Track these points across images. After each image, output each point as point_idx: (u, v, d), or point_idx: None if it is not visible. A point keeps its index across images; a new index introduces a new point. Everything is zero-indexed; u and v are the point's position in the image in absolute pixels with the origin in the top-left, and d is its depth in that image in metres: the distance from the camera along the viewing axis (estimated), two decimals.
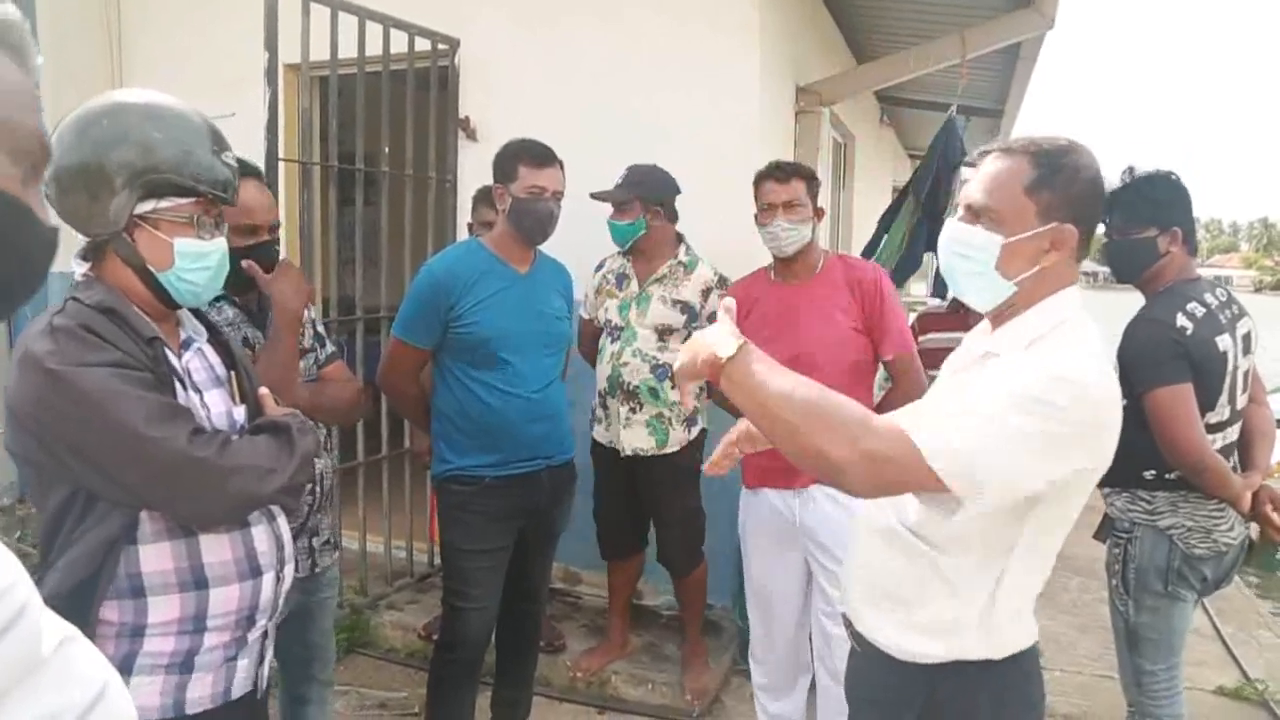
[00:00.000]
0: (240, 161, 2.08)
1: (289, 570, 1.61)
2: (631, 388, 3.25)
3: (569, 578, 4.26)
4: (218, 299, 2.12)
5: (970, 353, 1.59)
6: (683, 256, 3.32)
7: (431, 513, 4.01)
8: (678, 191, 3.34)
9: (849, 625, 1.66)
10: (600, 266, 3.47)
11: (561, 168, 2.72)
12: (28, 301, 0.77)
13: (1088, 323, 1.47)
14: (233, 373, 1.64)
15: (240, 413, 1.59)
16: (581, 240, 3.18)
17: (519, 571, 2.81)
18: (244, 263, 2.04)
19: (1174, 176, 2.57)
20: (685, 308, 3.26)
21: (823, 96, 4.41)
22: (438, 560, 4.16)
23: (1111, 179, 2.59)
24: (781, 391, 1.34)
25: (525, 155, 2.64)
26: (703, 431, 3.39)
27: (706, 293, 3.28)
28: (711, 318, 3.26)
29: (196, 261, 1.49)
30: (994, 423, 1.32)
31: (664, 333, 3.26)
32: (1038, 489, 1.34)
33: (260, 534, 1.53)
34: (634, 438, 3.29)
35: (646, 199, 3.24)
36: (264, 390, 1.65)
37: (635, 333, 3.27)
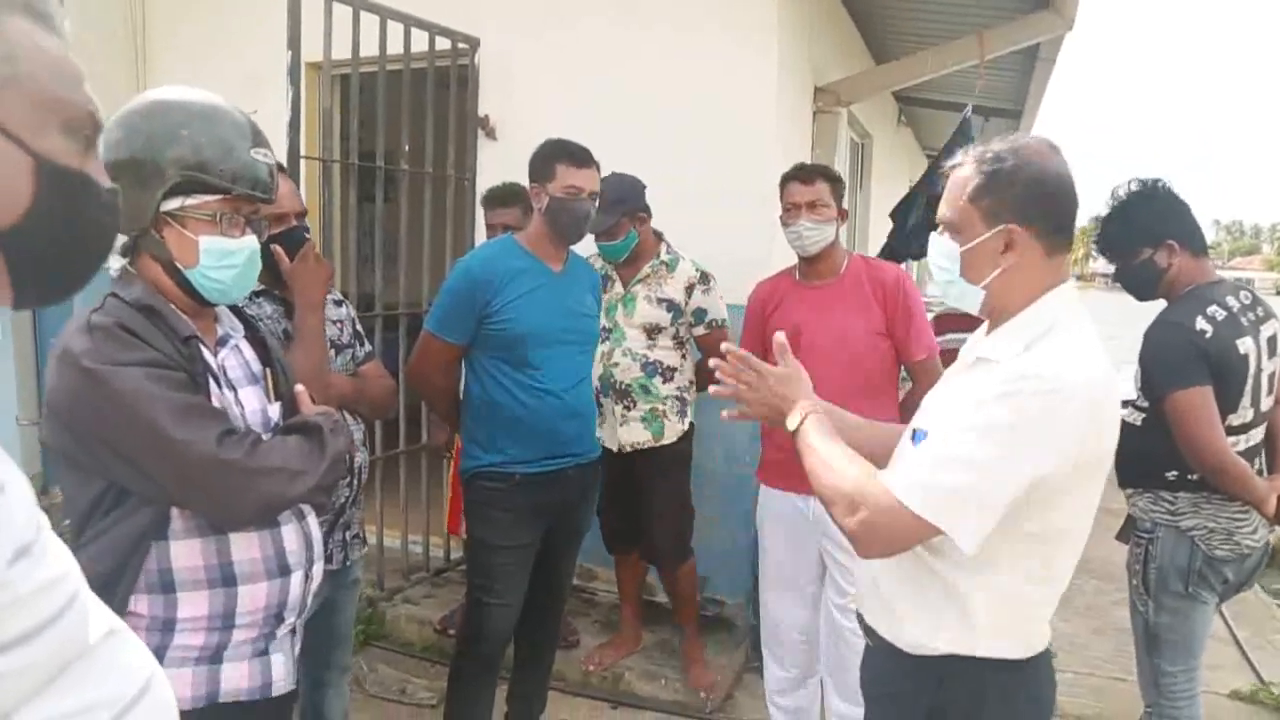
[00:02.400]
0: None
1: (318, 569, 1.63)
2: (624, 386, 3.31)
3: (584, 574, 4.26)
4: (257, 294, 2.16)
5: (966, 356, 1.62)
6: (664, 255, 3.37)
7: (451, 507, 4.05)
8: (644, 186, 3.36)
9: (861, 620, 1.69)
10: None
11: (598, 168, 2.74)
12: (102, 265, 0.81)
13: (1084, 321, 1.50)
14: (268, 370, 1.65)
15: (275, 410, 1.61)
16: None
17: (544, 568, 2.83)
18: (272, 246, 2.08)
19: (1156, 187, 2.57)
20: (670, 305, 3.31)
21: (840, 97, 4.41)
22: (454, 555, 4.21)
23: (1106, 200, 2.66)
24: (816, 462, 1.52)
25: (564, 155, 2.66)
26: (691, 425, 3.44)
27: (690, 289, 3.33)
28: (696, 314, 3.33)
29: (222, 259, 1.50)
30: (958, 448, 1.38)
31: (652, 331, 3.32)
32: (1017, 496, 1.38)
33: (290, 533, 1.55)
34: (632, 433, 3.35)
35: (631, 213, 3.28)
36: (300, 387, 1.66)
37: (624, 333, 3.32)
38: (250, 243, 1.55)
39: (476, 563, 2.78)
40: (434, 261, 4.05)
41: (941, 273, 1.57)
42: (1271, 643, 4.44)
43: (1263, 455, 2.58)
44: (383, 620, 3.92)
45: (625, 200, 3.25)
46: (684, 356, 3.39)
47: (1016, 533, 1.42)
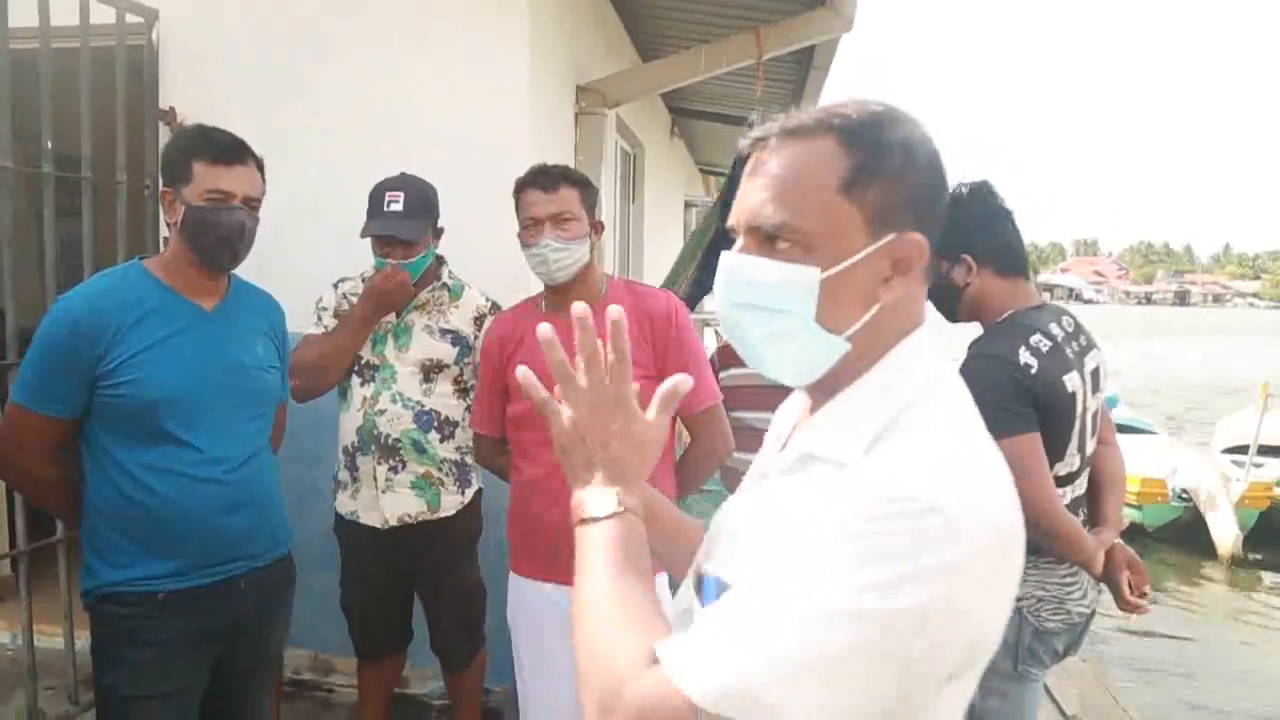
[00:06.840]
0: None
1: None
2: (390, 441, 2.61)
3: (319, 667, 3.55)
4: None
5: (780, 446, 1.05)
6: (446, 279, 2.74)
7: None
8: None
9: None
10: (339, 284, 2.77)
11: (259, 167, 2.05)
12: None
13: (954, 390, 0.95)
14: None
15: None
16: (304, 265, 2.54)
17: (220, 713, 2.12)
18: None
19: (964, 192, 2.16)
20: (457, 338, 2.69)
21: (606, 97, 3.94)
22: None
23: None
24: (592, 596, 0.94)
25: (203, 149, 1.96)
26: (478, 492, 2.82)
27: (479, 320, 2.73)
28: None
29: None
30: (786, 612, 0.80)
31: (431, 370, 2.66)
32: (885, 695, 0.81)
33: None
34: (398, 503, 2.65)
35: (434, 223, 2.68)
36: None
37: (394, 371, 2.64)
38: None
39: None
40: None
41: (764, 317, 0.95)
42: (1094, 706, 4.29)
43: (1085, 504, 2.27)
44: None
45: (431, 207, 2.65)
46: (467, 409, 2.71)
47: None
